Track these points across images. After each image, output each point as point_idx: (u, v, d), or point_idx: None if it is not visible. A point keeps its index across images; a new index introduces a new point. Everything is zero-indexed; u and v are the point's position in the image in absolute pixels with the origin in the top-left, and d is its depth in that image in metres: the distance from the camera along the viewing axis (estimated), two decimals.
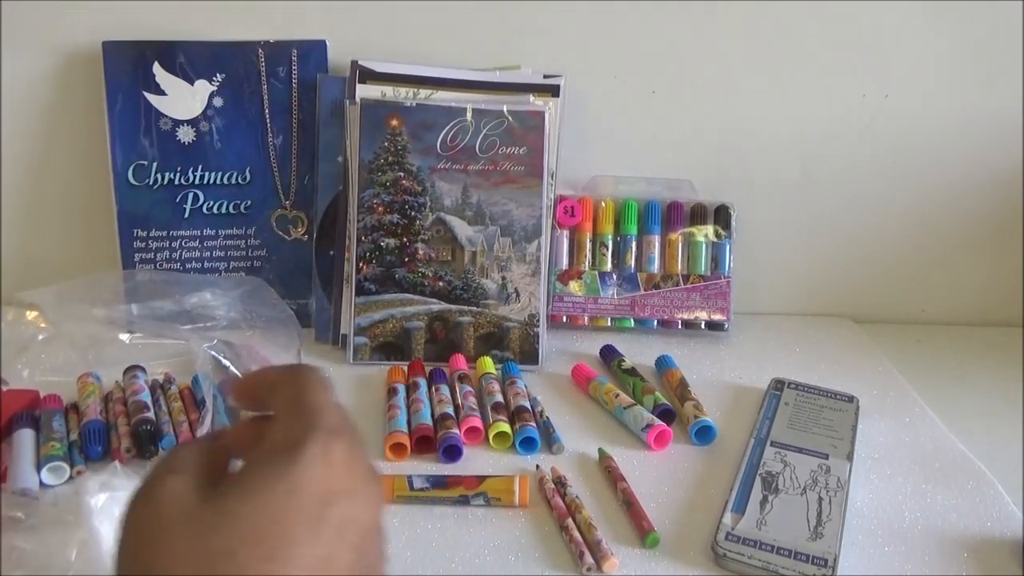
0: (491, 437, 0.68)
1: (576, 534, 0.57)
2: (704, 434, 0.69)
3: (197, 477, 0.34)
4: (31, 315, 0.72)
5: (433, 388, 0.73)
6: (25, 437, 0.64)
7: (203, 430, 0.57)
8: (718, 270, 0.87)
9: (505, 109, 0.80)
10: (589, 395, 0.76)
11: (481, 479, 0.61)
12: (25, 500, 0.56)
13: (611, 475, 0.64)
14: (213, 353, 0.59)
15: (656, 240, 0.87)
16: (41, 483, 0.61)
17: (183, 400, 0.70)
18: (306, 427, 0.34)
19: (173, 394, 0.71)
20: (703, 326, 0.87)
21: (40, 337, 0.74)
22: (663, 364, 0.80)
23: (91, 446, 0.64)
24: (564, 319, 0.87)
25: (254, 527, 0.31)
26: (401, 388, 0.73)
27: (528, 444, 0.67)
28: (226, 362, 0.60)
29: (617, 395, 0.73)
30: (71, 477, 0.62)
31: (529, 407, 0.71)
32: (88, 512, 0.52)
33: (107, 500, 0.52)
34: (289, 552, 0.31)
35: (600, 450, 0.67)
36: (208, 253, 0.85)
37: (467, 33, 0.84)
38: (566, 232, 0.87)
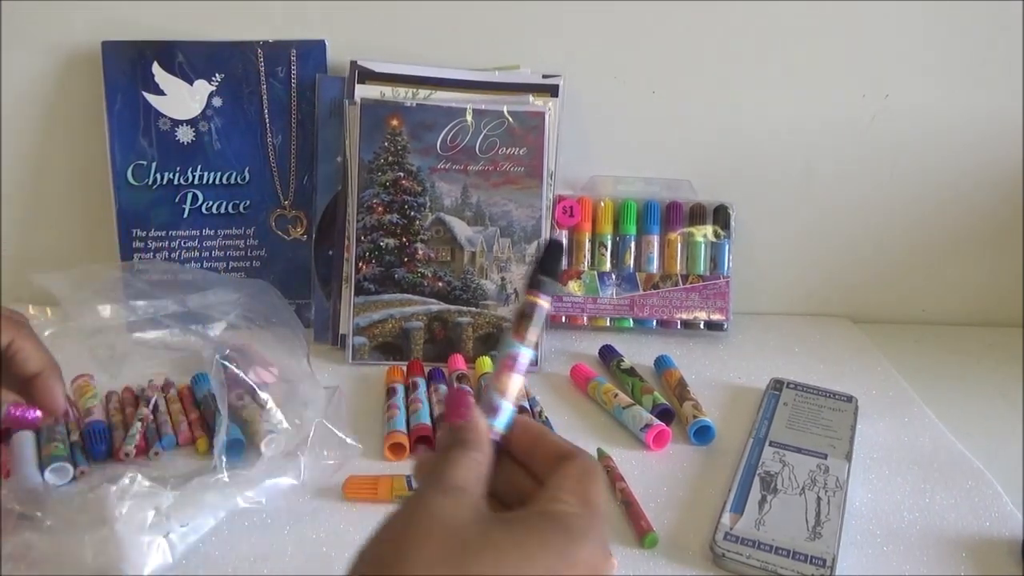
0: None
1: None
2: (703, 434, 0.69)
3: (476, 499, 0.35)
4: (33, 311, 0.71)
5: (432, 388, 0.73)
6: (25, 438, 0.64)
7: (219, 439, 0.57)
8: (717, 270, 0.87)
9: (505, 110, 0.80)
10: (588, 395, 0.76)
11: None
12: (40, 499, 0.56)
13: (610, 475, 0.64)
14: (225, 363, 0.59)
15: (655, 240, 0.87)
16: (44, 483, 0.61)
17: (182, 401, 0.70)
18: (595, 518, 0.35)
19: (172, 396, 0.71)
20: (702, 326, 0.87)
21: (47, 332, 0.73)
22: (662, 364, 0.80)
23: (95, 446, 0.64)
24: (563, 319, 0.87)
25: (513, 572, 0.32)
26: (400, 388, 0.73)
27: None
28: (238, 371, 0.60)
29: (616, 395, 0.73)
30: (74, 478, 0.62)
31: (528, 407, 0.71)
32: (111, 514, 0.52)
33: (132, 504, 0.52)
34: None
35: (599, 450, 0.67)
36: (207, 253, 0.85)
37: (466, 33, 0.84)
38: (565, 232, 0.87)
